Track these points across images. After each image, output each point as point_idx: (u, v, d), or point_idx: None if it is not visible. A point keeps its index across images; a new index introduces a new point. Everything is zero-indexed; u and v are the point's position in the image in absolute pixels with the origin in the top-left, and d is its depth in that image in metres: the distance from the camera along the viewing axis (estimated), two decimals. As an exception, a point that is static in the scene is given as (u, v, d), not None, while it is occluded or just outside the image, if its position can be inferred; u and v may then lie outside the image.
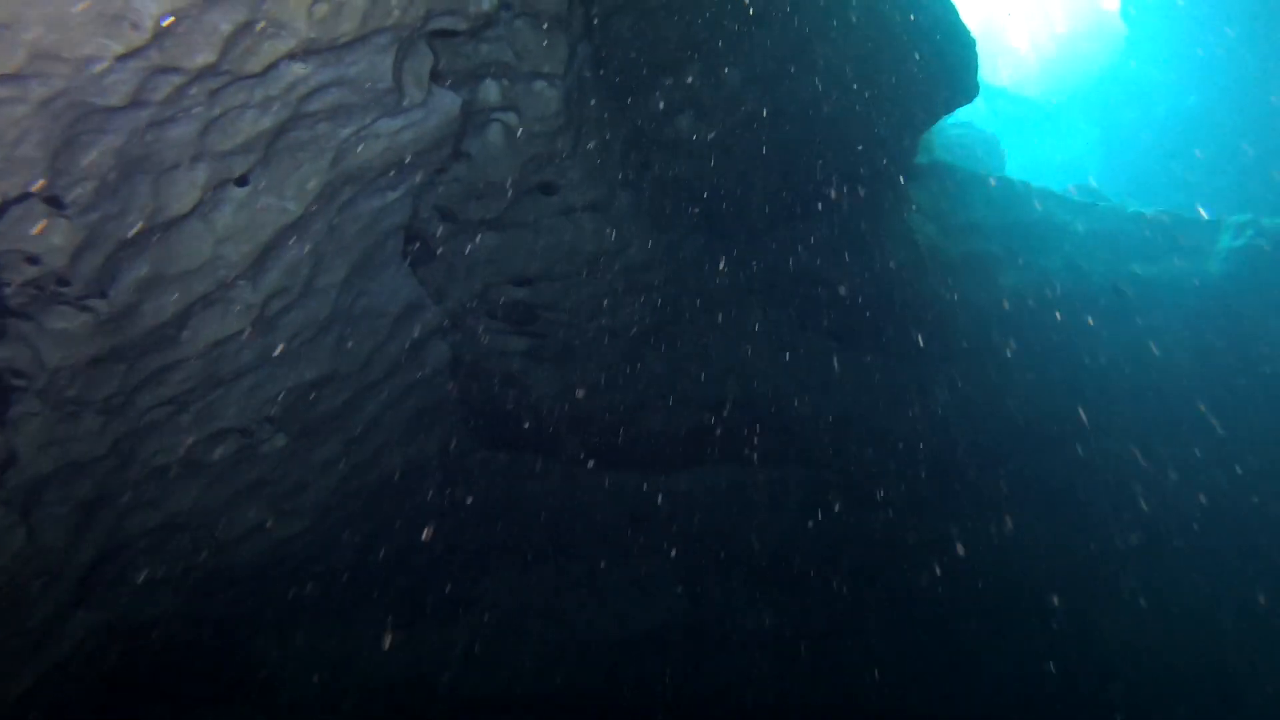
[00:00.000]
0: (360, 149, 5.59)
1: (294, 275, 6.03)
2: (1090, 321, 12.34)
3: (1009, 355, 12.31)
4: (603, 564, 12.64)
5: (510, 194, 7.69)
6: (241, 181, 5.02)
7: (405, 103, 5.45)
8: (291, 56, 4.23)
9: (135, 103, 3.74)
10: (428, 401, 9.14)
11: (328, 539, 9.62)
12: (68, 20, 3.20)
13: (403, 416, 8.96)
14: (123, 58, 3.47)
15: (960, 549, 12.99)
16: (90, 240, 4.21)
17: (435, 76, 5.78)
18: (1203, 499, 13.56)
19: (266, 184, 5.16)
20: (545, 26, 6.58)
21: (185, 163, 4.46)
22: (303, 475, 8.12)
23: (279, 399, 7.00)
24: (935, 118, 11.00)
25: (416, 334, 8.00)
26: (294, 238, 5.78)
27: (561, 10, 6.57)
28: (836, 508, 13.59)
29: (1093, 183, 14.63)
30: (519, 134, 7.18)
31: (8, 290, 4.16)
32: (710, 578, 13.75)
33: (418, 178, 6.34)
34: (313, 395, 7.36)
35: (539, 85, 6.92)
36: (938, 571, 12.71)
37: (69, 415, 5.45)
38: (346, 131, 5.34)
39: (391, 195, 6.31)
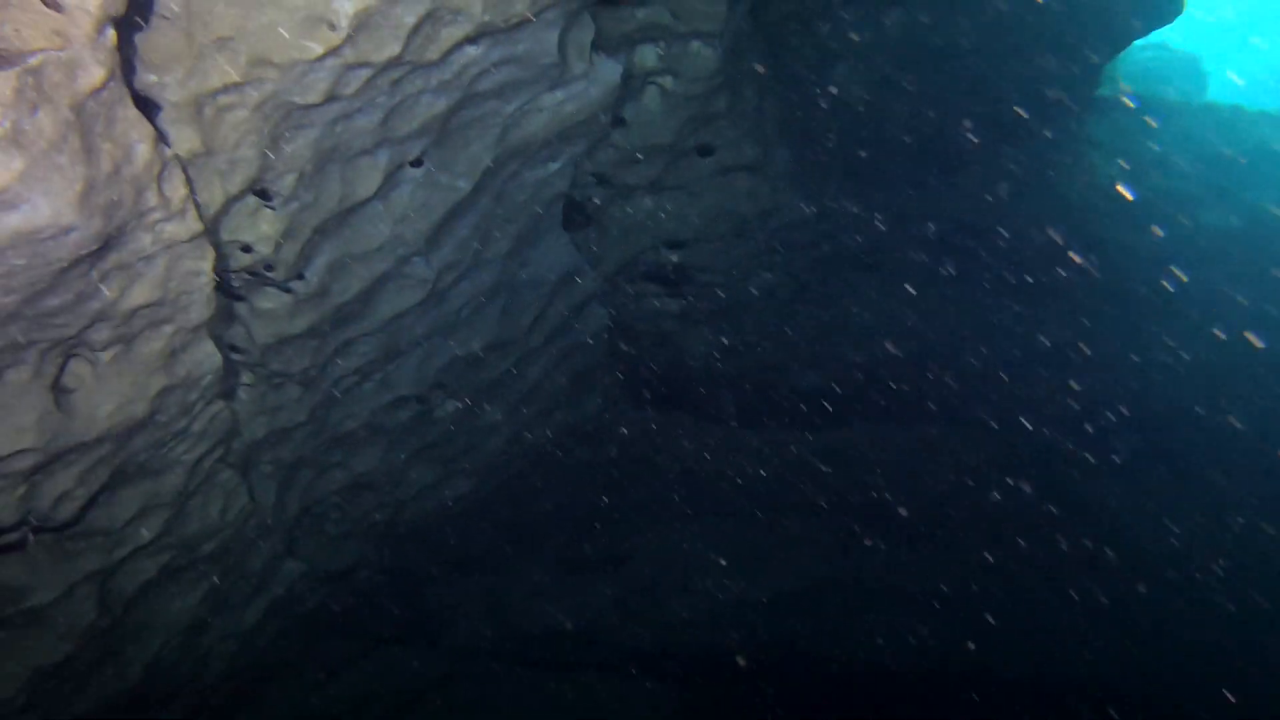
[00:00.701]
0: (525, 123, 5.63)
1: (464, 249, 6.19)
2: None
3: (1205, 309, 11.25)
4: (753, 522, 12.66)
5: (667, 157, 7.60)
6: (416, 163, 5.16)
7: (568, 75, 5.43)
8: (467, 41, 4.27)
9: (330, 98, 3.88)
10: (585, 365, 9.29)
11: (494, 496, 10.04)
12: (279, 25, 3.33)
13: (562, 380, 9.16)
14: (321, 58, 3.59)
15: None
16: (291, 228, 4.45)
17: (596, 45, 5.72)
18: None
19: (439, 164, 5.29)
20: (701, -14, 6.38)
21: (369, 150, 4.61)
22: (471, 438, 8.45)
23: (450, 367, 7.27)
24: (1127, 42, 10.02)
25: (575, 299, 8.10)
26: (464, 213, 5.92)
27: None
28: (993, 473, 13.06)
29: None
30: (676, 96, 7.06)
31: (230, 277, 4.48)
32: (862, 537, 13.55)
33: (579, 146, 6.35)
34: (480, 362, 7.61)
35: (695, 45, 6.75)
36: (1109, 555, 12.02)
37: (275, 386, 5.86)
38: (512, 107, 5.38)
39: (553, 166, 6.35)
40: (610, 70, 5.78)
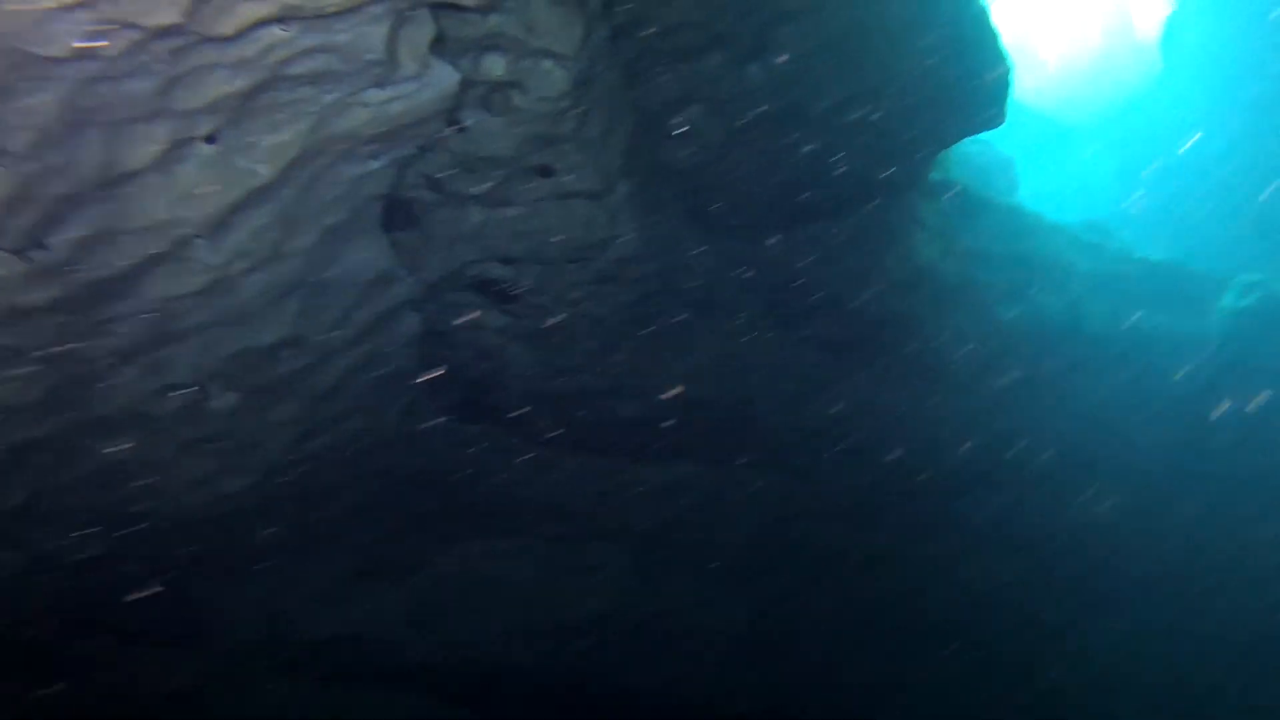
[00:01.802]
0: (345, 116, 5.20)
1: (260, 239, 5.66)
2: (1086, 365, 12.18)
3: (1001, 387, 12.14)
4: (557, 546, 12.47)
5: (505, 172, 7.30)
6: (210, 140, 4.64)
7: (398, 74, 5.05)
8: (272, 20, 3.85)
9: (83, 55, 3.37)
10: (394, 370, 8.80)
11: (280, 495, 9.34)
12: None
13: (367, 383, 8.63)
14: (68, 8, 3.09)
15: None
16: (26, 191, 3.85)
17: (436, 45, 5.37)
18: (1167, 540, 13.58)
19: (236, 145, 4.77)
20: (561, 3, 6.16)
21: (144, 118, 4.08)
22: (254, 434, 7.80)
23: (235, 359, 6.66)
24: (958, 138, 10.64)
25: (388, 303, 7.64)
26: (264, 201, 5.40)
27: (582, -10, 6.14)
28: (801, 517, 13.48)
29: (1102, 219, 14.32)
30: (521, 112, 6.78)
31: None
32: (666, 569, 13.64)
33: (406, 149, 5.96)
34: (272, 357, 7.02)
35: (547, 64, 6.51)
36: (919, 592, 12.74)
37: (2, 360, 5.13)
38: (331, 98, 4.94)
39: (375, 164, 5.93)
40: (446, 76, 5.44)
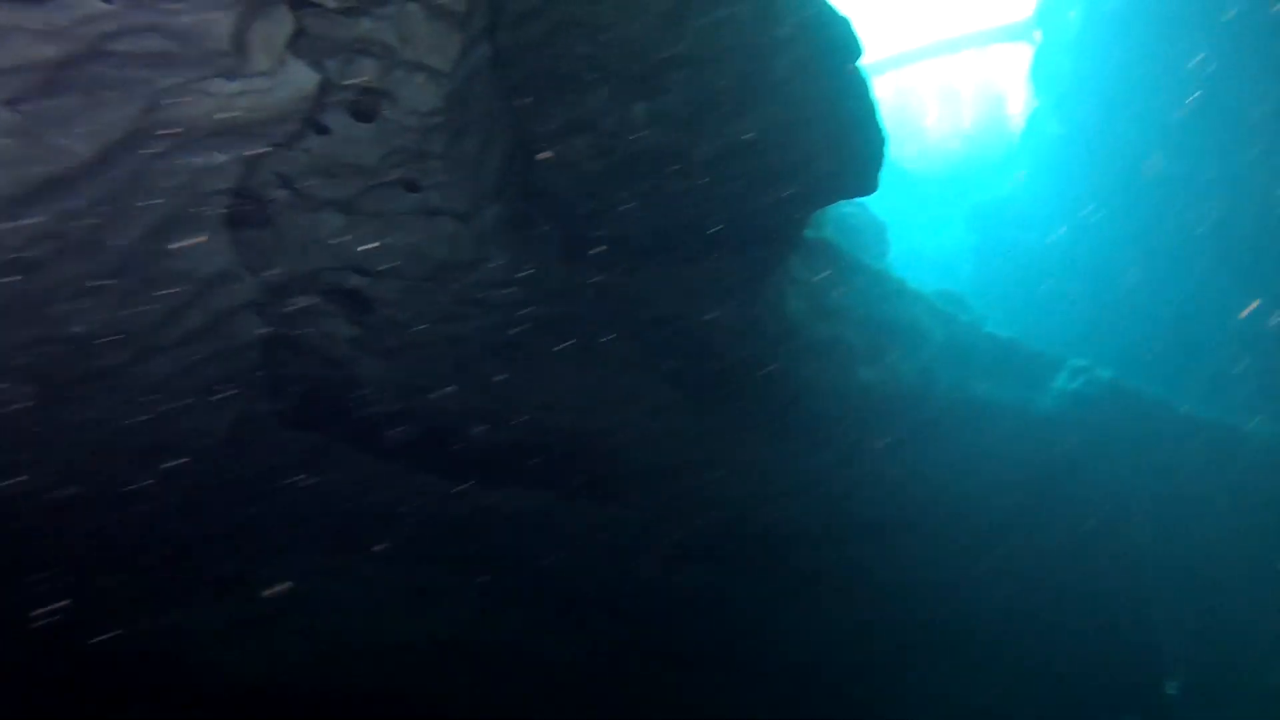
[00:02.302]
0: (184, 104, 4.79)
1: (73, 220, 5.13)
2: (933, 430, 12.69)
3: (851, 445, 12.49)
4: (391, 566, 11.96)
5: (368, 181, 6.95)
6: (11, 104, 4.15)
7: (248, 68, 4.69)
8: (90, -9, 3.48)
9: None
10: (229, 372, 8.23)
11: (92, 497, 8.55)
12: None
13: (196, 383, 8.02)
14: None
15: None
16: None
17: (295, 43, 5.03)
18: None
19: (47, 118, 4.30)
20: (440, 18, 5.91)
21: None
22: (55, 429, 7.09)
23: (34, 348, 6.02)
24: (833, 200, 10.92)
25: (227, 302, 7.13)
26: (80, 181, 4.89)
27: (460, 5, 5.92)
28: (645, 554, 13.44)
29: (959, 291, 15.06)
30: (390, 123, 6.47)
31: None
32: (505, 598, 13.31)
33: (256, 146, 5.55)
34: (84, 349, 6.40)
35: (420, 77, 6.24)
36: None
37: None
38: (168, 82, 4.53)
39: (220, 157, 5.50)
40: (304, 76, 5.10)
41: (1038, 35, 20.82)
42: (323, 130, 6.34)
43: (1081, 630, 14.63)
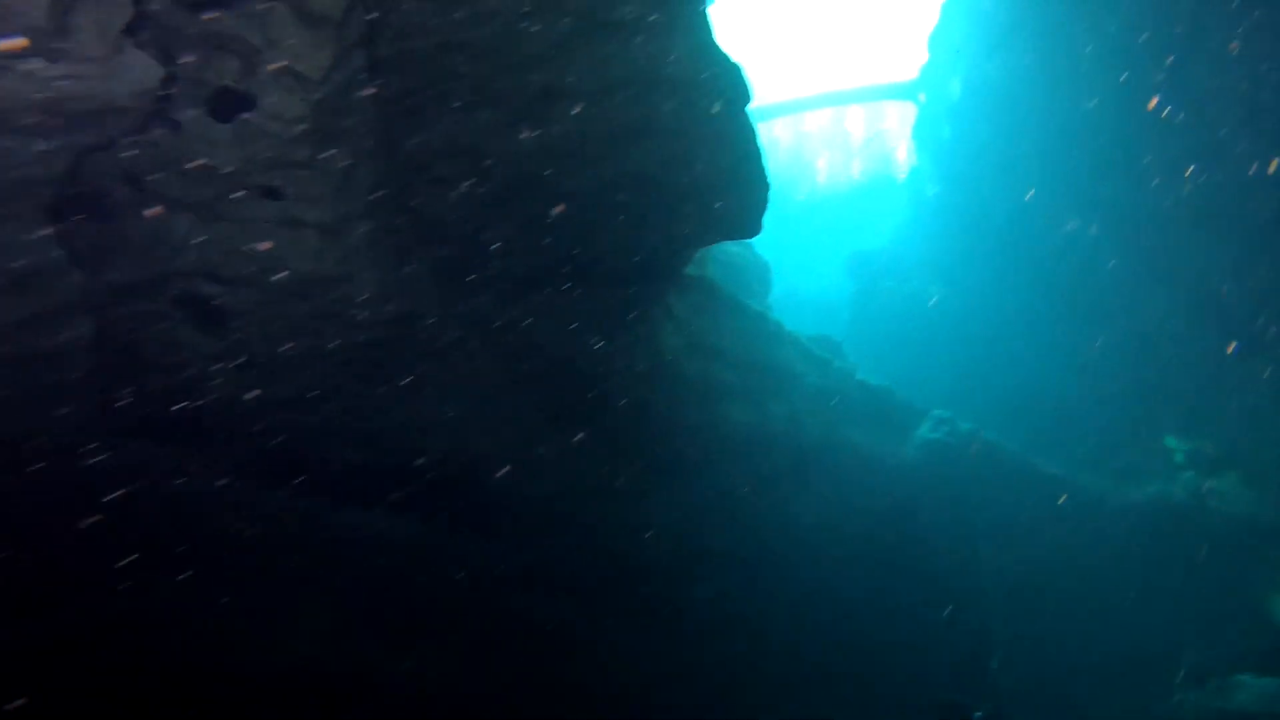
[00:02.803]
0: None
1: None
2: (801, 472, 12.89)
3: (721, 482, 12.53)
4: (246, 585, 11.22)
5: (224, 185, 6.52)
6: None
7: (78, 52, 4.28)
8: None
9: None
10: (58, 376, 7.54)
11: None
12: None
13: (19, 389, 7.31)
14: None
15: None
16: None
17: (137, 32, 4.64)
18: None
19: None
20: (312, 24, 5.61)
21: None
22: None
23: None
24: (716, 240, 11.00)
25: (50, 300, 6.52)
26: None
27: (335, 12, 5.63)
28: (508, 585, 13.10)
29: (833, 337, 15.43)
30: (253, 127, 6.09)
31: None
32: (368, 625, 12.68)
33: (87, 136, 5.09)
34: None
35: (287, 81, 5.90)
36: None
37: None
38: (-18, 60, 4.08)
39: (44, 144, 5.02)
40: (144, 69, 4.74)
41: (922, 97, 21.81)
42: (173, 126, 5.91)
43: (926, 659, 15.03)
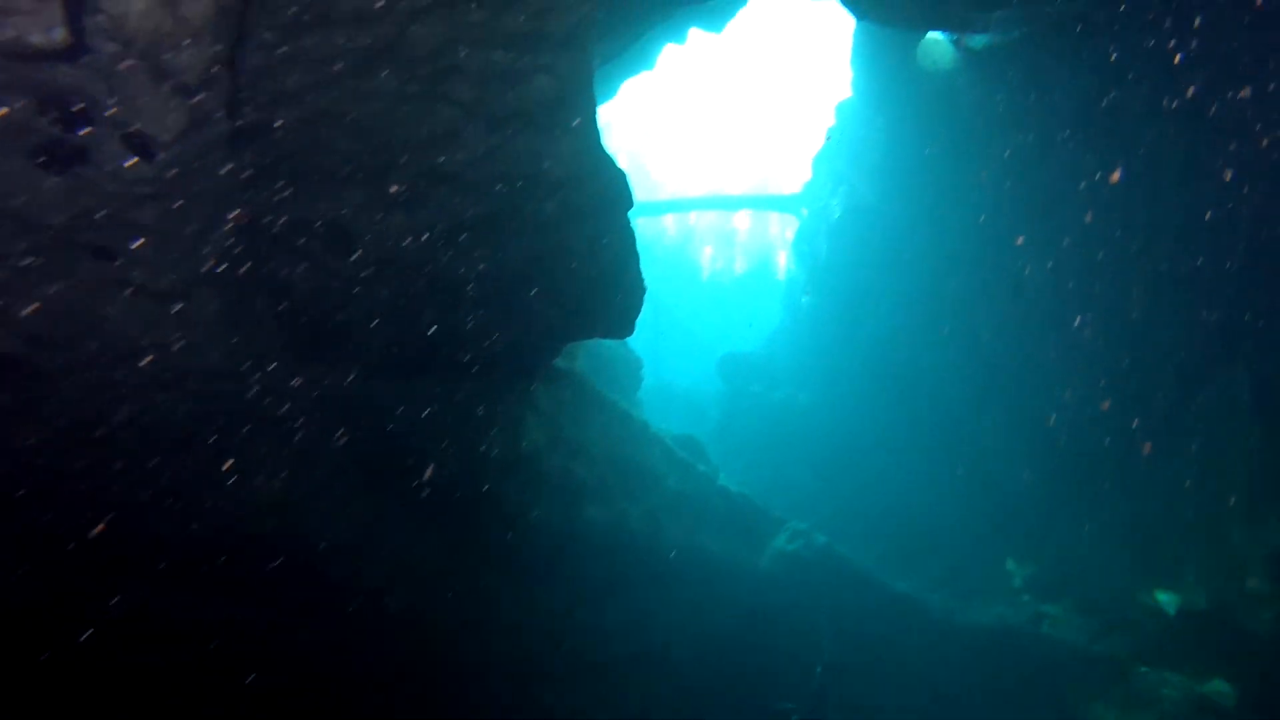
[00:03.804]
0: None
1: None
2: (660, 578, 12.69)
3: (573, 583, 12.16)
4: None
5: (45, 238, 5.95)
6: None
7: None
8: None
9: None
10: None
11: None
12: None
13: None
14: None
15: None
16: None
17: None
18: None
19: None
20: (166, 83, 5.25)
21: None
22: None
23: None
24: (587, 337, 10.90)
25: None
26: None
27: (194, 75, 5.30)
28: (340, 679, 12.25)
29: (699, 438, 15.47)
30: (82, 180, 5.61)
31: None
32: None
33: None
34: None
35: (134, 141, 5.48)
36: None
37: None
38: None
39: None
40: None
41: (804, 212, 22.79)
42: (-6, 174, 5.37)
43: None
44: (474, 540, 11.29)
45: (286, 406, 9.13)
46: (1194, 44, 10.02)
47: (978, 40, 13.52)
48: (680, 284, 33.99)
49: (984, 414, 16.38)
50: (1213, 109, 10.36)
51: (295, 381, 8.96)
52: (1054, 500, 15.97)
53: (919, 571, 16.87)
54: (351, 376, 9.47)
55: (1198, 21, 9.77)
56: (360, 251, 8.24)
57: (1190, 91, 10.47)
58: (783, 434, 19.34)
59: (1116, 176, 12.27)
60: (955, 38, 14.13)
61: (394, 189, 7.90)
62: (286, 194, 7.42)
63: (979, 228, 15.48)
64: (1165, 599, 14.68)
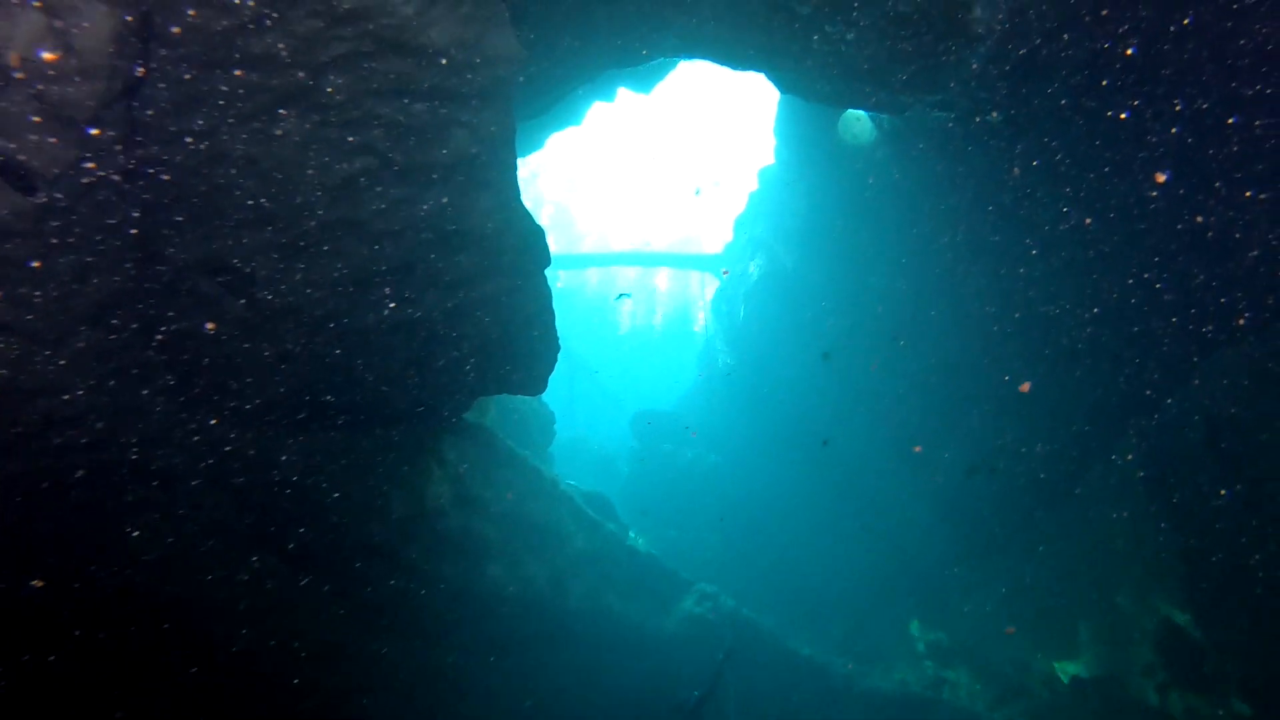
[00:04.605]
0: None
1: None
2: (561, 638, 12.33)
3: (473, 645, 11.74)
4: None
5: (-94, 272, 5.51)
6: None
7: None
8: None
9: None
10: None
11: None
12: None
13: None
14: None
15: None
16: None
17: None
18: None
19: None
20: (54, 118, 4.95)
21: None
22: None
23: None
24: (498, 393, 10.68)
25: None
26: None
27: (85, 109, 5.02)
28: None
29: (608, 497, 15.29)
30: (-47, 213, 5.22)
31: None
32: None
33: None
34: None
35: (13, 176, 5.14)
36: None
37: None
38: None
39: None
40: None
41: (725, 273, 23.07)
42: None
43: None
44: (369, 598, 10.81)
45: (172, 457, 8.63)
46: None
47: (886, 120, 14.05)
48: (599, 337, 33.95)
49: (892, 481, 16.66)
50: (1112, 197, 10.92)
51: (182, 431, 8.49)
52: (961, 567, 16.25)
53: (825, 632, 16.90)
54: (245, 426, 9.02)
55: (1102, 117, 10.34)
56: (260, 297, 7.91)
57: (1090, 178, 11.01)
58: (692, 493, 19.27)
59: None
60: (874, 115, 14.65)
61: (299, 235, 7.63)
62: (182, 235, 7.08)
63: (888, 299, 15.90)
64: (1060, 668, 15.03)
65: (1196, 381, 11.93)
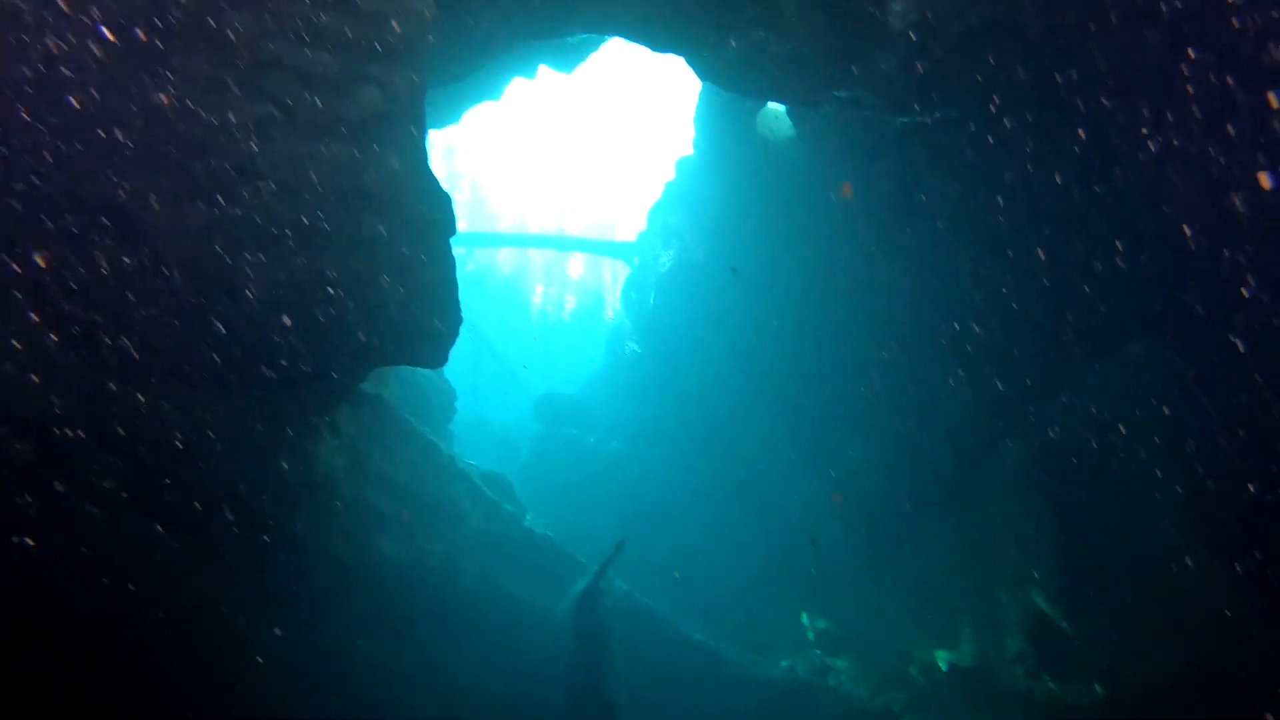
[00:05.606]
0: None
1: None
2: (452, 618, 12.15)
3: (360, 621, 11.43)
4: None
5: None
6: None
7: None
8: None
9: None
10: None
11: None
12: None
13: None
14: None
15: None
16: None
17: None
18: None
19: None
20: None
21: None
22: None
23: None
24: (398, 364, 10.40)
25: None
26: None
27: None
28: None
29: (506, 477, 15.06)
30: None
31: None
32: None
33: None
34: None
35: None
36: None
37: None
38: None
39: None
40: None
41: (636, 260, 23.07)
42: None
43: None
44: (245, 570, 10.39)
45: (43, 409, 8.11)
46: (1006, 129, 10.93)
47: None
48: (508, 320, 33.57)
49: (788, 472, 16.99)
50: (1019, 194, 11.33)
51: (51, 383, 7.98)
52: (851, 558, 16.70)
53: (720, 621, 17.12)
54: (124, 383, 8.54)
55: (1008, 124, 10.72)
56: (146, 245, 7.49)
57: (1007, 177, 11.40)
58: (593, 478, 19.22)
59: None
60: (792, 110, 14.85)
61: (200, 179, 7.26)
62: (57, 173, 6.64)
63: (795, 295, 16.20)
64: (940, 656, 15.63)
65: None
